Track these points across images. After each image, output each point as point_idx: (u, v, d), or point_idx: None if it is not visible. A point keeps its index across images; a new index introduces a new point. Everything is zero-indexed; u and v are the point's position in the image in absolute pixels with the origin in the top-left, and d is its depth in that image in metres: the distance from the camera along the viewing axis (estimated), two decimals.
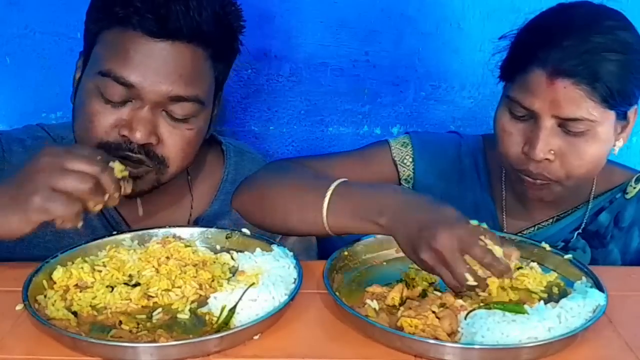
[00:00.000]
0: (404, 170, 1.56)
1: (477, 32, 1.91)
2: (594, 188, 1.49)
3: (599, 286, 1.18)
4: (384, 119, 1.97)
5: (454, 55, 1.92)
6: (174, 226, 1.37)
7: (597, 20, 1.33)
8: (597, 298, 1.14)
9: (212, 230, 1.36)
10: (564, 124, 1.33)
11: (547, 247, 1.31)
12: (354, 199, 1.25)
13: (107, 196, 1.18)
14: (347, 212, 1.25)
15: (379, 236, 1.34)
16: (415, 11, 1.89)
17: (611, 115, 1.34)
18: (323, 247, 1.75)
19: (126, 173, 1.21)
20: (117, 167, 1.20)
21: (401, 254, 1.34)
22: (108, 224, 1.49)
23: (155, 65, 1.32)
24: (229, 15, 1.40)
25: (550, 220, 1.51)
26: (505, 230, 1.52)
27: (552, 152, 1.34)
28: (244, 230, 1.34)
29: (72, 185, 1.14)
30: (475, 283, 1.11)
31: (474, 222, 1.15)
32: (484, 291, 1.13)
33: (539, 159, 1.34)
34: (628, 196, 1.49)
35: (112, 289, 1.18)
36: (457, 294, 1.15)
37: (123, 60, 1.32)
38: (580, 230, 1.50)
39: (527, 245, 1.34)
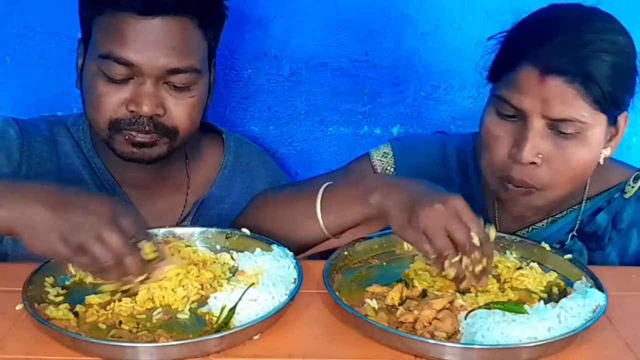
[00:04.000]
0: None
1: (477, 32, 1.90)
2: (587, 188, 1.44)
3: (598, 286, 1.18)
4: (384, 119, 1.97)
5: (454, 55, 1.92)
6: (174, 226, 1.37)
7: (588, 20, 1.29)
8: (597, 298, 1.14)
9: (212, 230, 1.36)
10: (554, 125, 1.28)
11: (547, 247, 1.31)
12: (343, 192, 1.30)
13: (127, 278, 1.15)
14: (339, 205, 1.28)
15: (379, 236, 1.34)
16: (415, 11, 1.88)
17: (602, 118, 1.29)
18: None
19: (155, 255, 1.18)
20: (147, 248, 1.16)
21: (401, 254, 1.35)
22: (102, 185, 1.55)
23: (150, 42, 1.39)
24: None
25: (545, 222, 1.46)
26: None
27: (540, 155, 1.29)
28: (244, 230, 1.35)
29: (97, 254, 1.11)
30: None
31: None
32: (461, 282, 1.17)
33: (525, 162, 1.29)
34: (626, 196, 1.44)
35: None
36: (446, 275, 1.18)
37: (119, 42, 1.38)
38: (574, 232, 1.45)
39: (527, 245, 1.34)
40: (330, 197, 1.31)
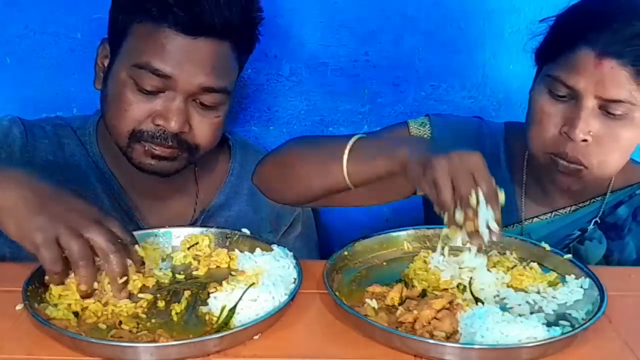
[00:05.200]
0: None
1: (477, 32, 1.91)
2: (612, 181, 1.51)
3: (598, 286, 1.18)
4: (384, 119, 1.97)
5: (454, 55, 1.92)
6: (174, 226, 1.37)
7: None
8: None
9: (212, 230, 1.36)
10: (605, 106, 1.33)
11: (547, 247, 1.31)
12: (374, 143, 1.30)
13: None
14: (366, 154, 1.27)
15: (379, 236, 1.34)
16: (415, 11, 1.88)
17: None
18: (324, 248, 1.75)
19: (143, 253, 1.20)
20: (139, 250, 1.19)
21: (401, 255, 1.36)
22: (109, 190, 1.54)
23: (191, 59, 1.38)
24: (251, 6, 1.46)
25: (568, 209, 1.53)
26: (523, 215, 1.55)
27: (591, 133, 1.35)
28: (244, 230, 1.35)
29: (73, 248, 1.10)
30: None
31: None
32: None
33: (578, 139, 1.34)
34: None
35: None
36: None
37: (160, 54, 1.38)
38: (597, 220, 1.52)
39: (527, 245, 1.34)
40: (359, 145, 1.30)
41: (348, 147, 1.29)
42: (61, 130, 1.57)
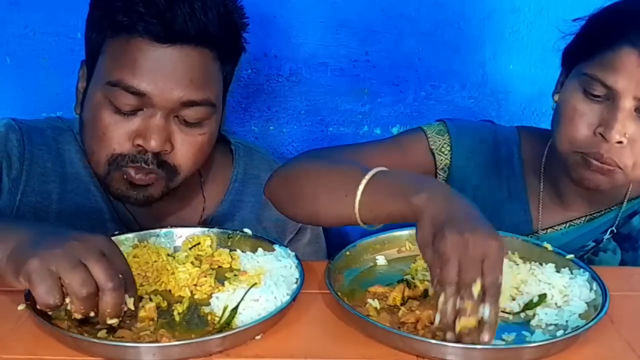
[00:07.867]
0: (441, 159, 1.53)
1: (477, 32, 1.91)
2: (629, 191, 1.49)
3: (600, 286, 1.18)
4: (384, 119, 1.97)
5: (454, 55, 1.93)
6: (176, 226, 1.37)
7: None
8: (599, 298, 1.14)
9: (214, 230, 1.36)
10: None
11: (549, 247, 1.31)
12: (392, 181, 1.18)
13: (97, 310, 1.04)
14: (381, 193, 1.17)
15: (381, 236, 1.34)
16: (415, 11, 1.89)
17: None
18: (328, 249, 1.75)
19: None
20: (129, 303, 1.08)
21: (402, 254, 1.36)
22: (109, 200, 1.48)
23: (165, 72, 1.31)
24: (233, 14, 1.39)
25: (583, 219, 1.51)
26: (539, 225, 1.53)
27: (626, 135, 1.32)
28: (246, 230, 1.35)
29: (70, 281, 1.01)
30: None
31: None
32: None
33: (614, 141, 1.31)
34: None
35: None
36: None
37: (132, 69, 1.30)
38: (614, 229, 1.49)
39: (528, 245, 1.34)
40: (377, 182, 1.18)
41: (364, 182, 1.18)
42: (62, 135, 1.50)
